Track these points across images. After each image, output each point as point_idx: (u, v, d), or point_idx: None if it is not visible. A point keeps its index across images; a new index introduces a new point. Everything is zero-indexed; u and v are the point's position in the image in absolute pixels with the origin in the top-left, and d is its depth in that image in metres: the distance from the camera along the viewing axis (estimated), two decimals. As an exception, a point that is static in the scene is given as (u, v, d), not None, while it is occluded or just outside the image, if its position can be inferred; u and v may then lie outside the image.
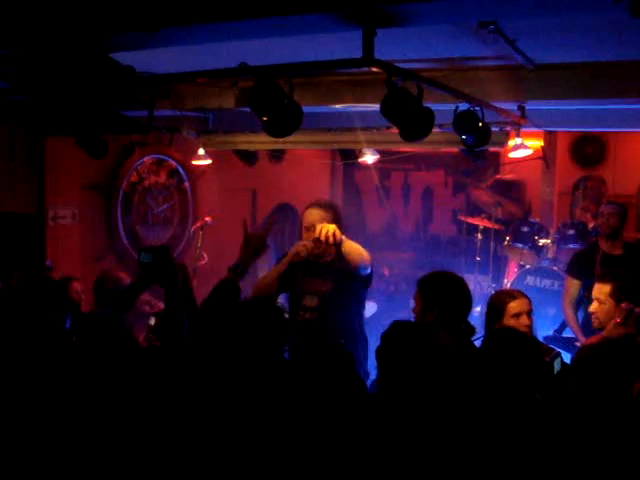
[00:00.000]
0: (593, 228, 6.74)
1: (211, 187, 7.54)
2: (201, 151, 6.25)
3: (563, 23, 3.33)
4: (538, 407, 2.65)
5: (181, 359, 3.12)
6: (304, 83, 4.56)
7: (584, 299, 5.41)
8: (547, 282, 6.97)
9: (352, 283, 4.22)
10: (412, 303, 3.64)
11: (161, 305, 4.35)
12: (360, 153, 6.25)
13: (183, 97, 5.23)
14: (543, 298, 6.80)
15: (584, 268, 5.46)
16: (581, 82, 4.31)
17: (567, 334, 5.79)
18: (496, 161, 9.04)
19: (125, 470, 2.68)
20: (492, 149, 5.44)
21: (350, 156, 6.47)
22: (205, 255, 6.66)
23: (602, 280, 4.10)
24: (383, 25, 2.86)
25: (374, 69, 3.16)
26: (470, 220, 8.36)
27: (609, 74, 4.23)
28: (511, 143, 5.33)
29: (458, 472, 2.51)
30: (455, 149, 5.50)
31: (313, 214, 4.24)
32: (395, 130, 3.60)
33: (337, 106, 5.03)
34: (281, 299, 4.64)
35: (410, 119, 3.40)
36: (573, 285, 5.53)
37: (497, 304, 3.78)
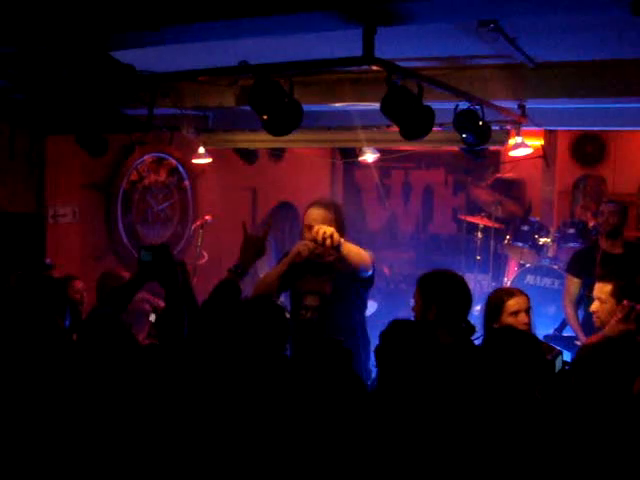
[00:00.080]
0: (593, 227, 6.74)
1: (211, 186, 7.55)
2: (201, 149, 6.25)
3: (563, 22, 3.33)
4: (539, 406, 2.65)
5: (181, 358, 3.12)
6: (304, 82, 4.56)
7: (584, 298, 5.42)
8: (547, 281, 6.97)
9: (353, 284, 4.22)
10: (412, 302, 3.64)
11: (161, 303, 4.34)
12: (360, 152, 6.25)
13: (183, 95, 5.23)
14: (543, 297, 6.81)
15: (584, 267, 5.46)
16: (581, 81, 4.30)
17: (567, 333, 5.80)
18: (496, 160, 9.04)
19: (125, 468, 2.68)
20: (492, 148, 5.44)
21: (350, 155, 6.48)
22: (205, 254, 6.66)
23: (603, 279, 4.11)
24: (383, 23, 2.86)
25: (374, 67, 3.16)
26: (470, 219, 8.36)
27: (609, 73, 4.23)
28: (511, 142, 5.32)
29: (458, 471, 2.51)
30: (455, 148, 5.49)
31: (314, 214, 4.23)
32: (395, 129, 3.60)
33: (337, 105, 5.03)
34: (282, 298, 4.64)
35: (410, 118, 3.40)
36: (573, 284, 5.53)
37: (495, 302, 3.79)
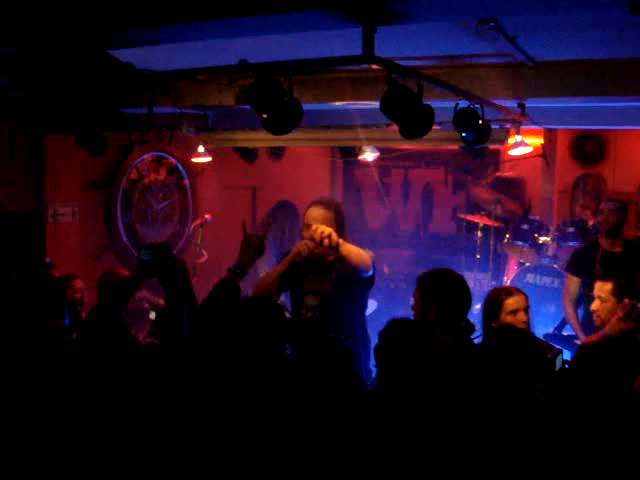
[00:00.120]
0: (593, 226, 6.74)
1: (211, 184, 7.55)
2: (201, 148, 6.25)
3: (563, 20, 3.33)
4: (539, 404, 2.65)
5: (181, 356, 3.12)
6: (304, 80, 4.56)
7: (584, 297, 5.42)
8: (547, 280, 6.97)
9: (353, 284, 4.21)
10: (412, 300, 3.64)
11: (161, 300, 4.34)
12: (360, 151, 6.24)
13: (183, 94, 5.23)
14: (543, 296, 6.81)
15: (584, 266, 5.46)
16: (581, 80, 4.30)
17: (567, 332, 5.80)
18: (496, 159, 9.05)
19: (124, 467, 2.68)
20: (492, 147, 5.43)
21: (350, 153, 6.46)
22: (205, 252, 6.66)
23: (604, 278, 4.11)
24: (383, 22, 2.85)
25: (374, 66, 3.15)
26: (470, 218, 8.36)
27: (609, 72, 4.22)
28: (511, 141, 5.32)
29: (459, 470, 2.51)
30: (455, 147, 5.49)
31: (315, 213, 4.23)
32: (395, 128, 3.59)
33: (337, 103, 5.03)
34: (282, 297, 4.64)
35: (410, 116, 3.40)
36: (573, 283, 5.53)
37: (494, 301, 3.80)
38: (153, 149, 6.97)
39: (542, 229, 7.22)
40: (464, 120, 4.12)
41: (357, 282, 4.21)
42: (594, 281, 4.28)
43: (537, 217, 7.70)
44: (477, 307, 4.57)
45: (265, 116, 3.48)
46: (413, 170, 10.30)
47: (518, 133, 5.25)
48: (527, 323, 3.74)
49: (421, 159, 10.01)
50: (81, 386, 2.85)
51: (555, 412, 2.65)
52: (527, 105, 4.81)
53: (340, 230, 4.20)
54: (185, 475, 2.69)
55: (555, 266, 7.01)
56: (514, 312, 3.74)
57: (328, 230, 4.01)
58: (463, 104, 4.07)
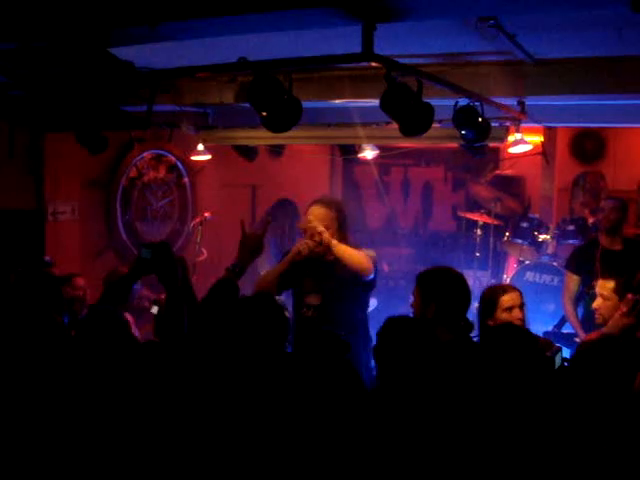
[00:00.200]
0: (593, 223, 6.73)
1: (210, 182, 7.54)
2: (200, 146, 6.25)
3: (563, 19, 3.33)
4: (539, 402, 2.65)
5: (180, 354, 3.12)
6: (304, 78, 4.55)
7: (584, 295, 5.42)
8: (547, 278, 6.96)
9: (353, 285, 4.19)
10: (411, 298, 3.64)
11: (162, 295, 4.34)
12: (359, 148, 6.24)
13: (182, 92, 5.22)
14: (542, 294, 6.81)
15: (584, 264, 5.46)
16: (581, 77, 4.30)
17: (567, 330, 5.79)
18: (496, 157, 9.04)
19: (123, 464, 2.68)
20: (492, 145, 5.43)
21: (350, 151, 6.45)
22: (204, 250, 6.66)
23: (606, 276, 4.12)
24: (383, 20, 2.85)
25: (374, 64, 3.15)
26: (469, 216, 8.35)
27: (609, 69, 4.22)
28: (511, 139, 5.32)
29: (459, 470, 2.51)
30: (455, 144, 5.49)
31: (315, 212, 4.21)
32: (395, 125, 3.59)
33: (337, 101, 5.03)
34: (283, 297, 4.64)
35: (410, 114, 3.40)
36: (573, 281, 5.53)
37: (489, 299, 3.80)
38: (153, 147, 6.96)
39: (542, 227, 7.22)
40: (464, 118, 4.12)
41: (357, 284, 4.19)
42: (594, 279, 4.28)
43: (537, 215, 7.70)
44: (476, 305, 4.56)
45: (265, 114, 3.48)
46: (413, 168, 10.29)
47: (518, 131, 5.25)
48: (522, 320, 3.75)
49: (421, 157, 10.01)
50: (80, 383, 2.85)
51: (555, 410, 2.65)
52: (527, 103, 4.81)
53: (341, 230, 4.18)
54: (185, 472, 2.69)
55: (555, 264, 7.00)
56: (509, 309, 3.75)
57: (320, 228, 4.00)
58: (463, 102, 4.07)
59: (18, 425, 2.76)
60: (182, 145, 6.87)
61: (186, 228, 7.38)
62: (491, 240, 7.82)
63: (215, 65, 3.73)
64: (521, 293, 3.86)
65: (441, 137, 5.24)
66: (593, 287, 5.16)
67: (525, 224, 7.22)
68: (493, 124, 4.56)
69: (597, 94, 4.41)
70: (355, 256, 4.10)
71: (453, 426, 2.60)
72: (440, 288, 3.51)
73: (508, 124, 5.18)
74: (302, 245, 4.19)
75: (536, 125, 6.35)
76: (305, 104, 3.51)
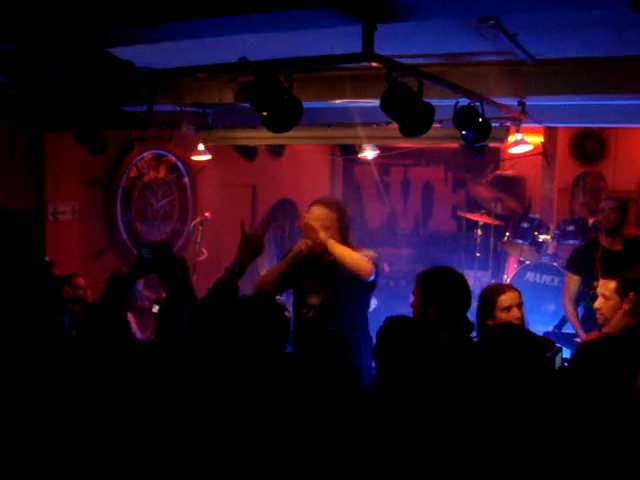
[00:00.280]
0: (593, 224, 6.73)
1: (211, 182, 7.54)
2: (201, 146, 6.25)
3: (564, 18, 3.33)
4: (539, 403, 2.64)
5: (180, 354, 3.12)
6: (304, 78, 4.55)
7: (584, 295, 5.42)
8: (547, 278, 6.96)
9: (353, 285, 4.16)
10: (412, 298, 3.64)
11: (163, 294, 4.35)
12: (360, 149, 6.24)
13: (183, 92, 5.22)
14: (543, 294, 6.81)
15: (584, 264, 5.46)
16: (581, 78, 4.30)
17: (567, 330, 5.79)
18: (496, 157, 9.04)
19: (122, 464, 2.68)
20: (492, 145, 5.43)
21: (350, 152, 6.46)
22: (205, 250, 6.66)
23: (607, 276, 4.12)
24: (383, 20, 2.85)
25: (374, 64, 3.15)
26: (470, 216, 8.35)
27: (609, 70, 4.22)
28: (511, 139, 5.32)
29: (459, 470, 2.51)
30: (455, 145, 5.49)
31: (317, 212, 4.19)
32: (395, 126, 3.59)
33: (337, 101, 5.02)
34: (283, 297, 4.63)
35: (410, 114, 3.40)
36: (573, 281, 5.52)
37: (487, 299, 3.80)
38: (153, 147, 6.96)
39: (542, 227, 7.22)
40: (464, 118, 4.12)
41: (357, 285, 4.16)
42: (594, 279, 4.28)
43: (537, 215, 7.70)
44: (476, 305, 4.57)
45: (265, 114, 3.48)
46: (413, 168, 10.29)
47: (518, 131, 5.25)
48: (521, 319, 3.75)
49: (421, 157, 10.00)
50: (79, 382, 2.85)
51: (555, 411, 2.65)
52: (527, 103, 4.81)
53: (343, 230, 4.16)
54: (184, 472, 2.69)
55: (555, 264, 7.00)
56: (508, 309, 3.75)
57: (315, 227, 3.98)
58: (463, 102, 4.07)
59: (18, 425, 2.76)
60: (182, 145, 6.88)
61: (186, 228, 7.38)
62: (491, 240, 7.82)
63: (215, 65, 3.73)
64: (519, 292, 3.87)
65: (441, 137, 5.24)
66: (593, 287, 5.17)
67: (525, 224, 7.21)
68: (493, 124, 4.56)
69: (597, 94, 4.41)
70: (353, 257, 4.06)
71: (453, 426, 2.60)
72: (441, 288, 3.51)
73: (508, 124, 5.18)
74: (302, 245, 4.18)
75: (536, 125, 6.35)
76: (305, 104, 3.51)
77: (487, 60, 4.35)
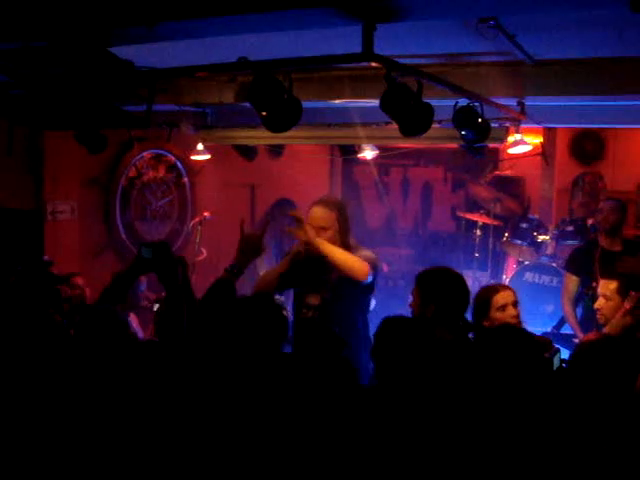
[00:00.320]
0: (592, 225, 6.74)
1: (210, 182, 7.54)
2: (200, 146, 6.25)
3: (563, 19, 3.33)
4: (538, 404, 2.64)
5: (179, 353, 3.12)
6: (303, 78, 4.55)
7: (583, 295, 5.42)
8: (546, 278, 6.96)
9: (351, 287, 4.14)
10: (410, 298, 3.64)
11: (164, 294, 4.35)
12: (359, 149, 6.24)
13: (182, 92, 5.22)
14: (542, 294, 6.81)
15: (583, 264, 5.46)
16: (581, 78, 4.30)
17: (566, 330, 5.80)
18: (495, 157, 9.04)
19: (121, 464, 2.68)
20: (491, 145, 5.43)
21: (349, 152, 6.46)
22: (204, 250, 6.66)
23: (608, 277, 4.13)
24: (383, 20, 2.85)
25: (373, 64, 3.15)
26: (469, 216, 8.36)
27: (609, 70, 4.22)
28: (510, 139, 5.32)
29: (457, 471, 2.51)
30: (454, 145, 5.49)
31: (316, 213, 4.18)
32: (394, 126, 3.59)
33: (336, 101, 5.02)
34: (282, 297, 4.63)
35: (409, 114, 3.40)
36: (572, 281, 5.52)
37: (482, 299, 3.80)
38: (152, 147, 6.95)
39: (541, 228, 7.22)
40: (463, 118, 4.12)
41: (355, 287, 4.14)
42: (593, 280, 4.28)
43: (536, 216, 7.70)
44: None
45: (264, 114, 3.48)
46: (412, 168, 10.29)
47: (517, 132, 5.25)
48: (517, 317, 3.75)
49: (420, 157, 10.01)
50: (78, 382, 2.85)
51: (554, 411, 2.65)
52: (526, 104, 4.81)
53: (343, 231, 4.14)
54: (184, 471, 2.69)
55: (554, 265, 7.00)
56: (503, 307, 3.75)
57: (307, 227, 3.96)
58: (463, 102, 4.07)
59: (17, 424, 2.76)
60: (182, 145, 6.87)
61: (185, 228, 7.38)
62: (490, 241, 7.82)
63: (215, 65, 3.73)
64: (514, 291, 3.87)
65: (441, 137, 5.24)
66: (592, 288, 5.18)
67: (524, 225, 7.22)
68: (493, 125, 4.56)
69: (597, 95, 4.41)
70: (345, 258, 4.02)
71: (451, 427, 2.60)
72: (439, 288, 3.51)
73: (508, 125, 5.18)
74: (302, 245, 4.18)
75: (536, 126, 6.35)
76: (305, 104, 3.51)
77: (486, 60, 4.35)
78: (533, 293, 6.80)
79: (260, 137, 5.87)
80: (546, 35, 3.66)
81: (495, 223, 7.90)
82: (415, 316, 3.51)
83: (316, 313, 4.22)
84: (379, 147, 6.23)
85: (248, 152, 6.35)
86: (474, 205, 8.71)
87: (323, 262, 4.18)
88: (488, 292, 3.84)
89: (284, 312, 3.46)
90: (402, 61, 3.42)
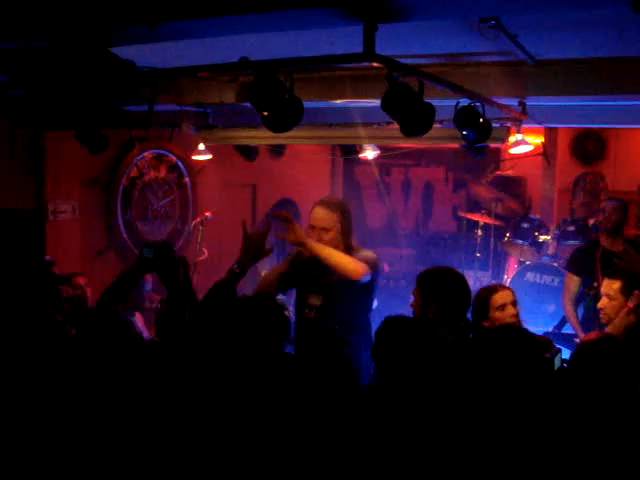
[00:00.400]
0: (593, 225, 6.74)
1: (211, 182, 7.55)
2: (201, 146, 6.25)
3: (564, 19, 3.33)
4: (538, 404, 2.64)
5: (181, 353, 3.13)
6: (305, 78, 4.55)
7: (584, 295, 5.42)
8: (547, 278, 6.96)
9: (351, 287, 4.12)
10: (412, 298, 3.64)
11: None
12: (360, 149, 6.24)
13: (183, 92, 5.22)
14: (543, 294, 6.81)
15: (584, 264, 5.46)
16: (582, 78, 4.30)
17: (567, 330, 5.80)
18: (496, 157, 9.05)
19: (122, 464, 2.68)
20: (493, 145, 5.43)
21: (351, 152, 6.46)
22: (205, 250, 6.67)
23: (612, 276, 4.13)
24: (384, 20, 2.85)
25: (375, 64, 3.15)
26: (470, 216, 8.36)
27: (610, 70, 4.22)
28: (512, 139, 5.32)
29: (457, 471, 2.51)
30: (456, 145, 5.49)
31: (318, 214, 4.16)
32: (396, 126, 3.59)
33: (338, 101, 5.02)
34: (283, 297, 4.62)
35: (411, 114, 3.40)
36: (573, 281, 5.52)
37: (481, 299, 3.80)
38: (153, 147, 6.96)
39: (542, 228, 7.22)
40: (465, 118, 4.11)
41: (354, 286, 4.12)
42: (594, 280, 4.28)
43: (537, 216, 7.70)
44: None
45: (266, 114, 3.48)
46: (413, 168, 10.30)
47: (519, 131, 5.25)
48: (517, 316, 3.75)
49: (421, 157, 10.01)
50: (79, 381, 2.85)
51: (554, 412, 2.65)
52: (528, 103, 4.80)
53: (344, 232, 4.12)
54: (184, 471, 2.69)
55: (555, 265, 7.00)
56: (502, 307, 3.75)
57: (297, 227, 3.93)
58: (464, 102, 4.07)
59: (18, 424, 2.76)
60: (183, 145, 6.88)
61: (187, 228, 7.39)
62: (492, 241, 7.82)
63: (216, 65, 3.73)
64: (513, 291, 3.87)
65: (442, 137, 5.24)
66: (593, 288, 5.19)
67: (526, 225, 7.22)
68: (494, 125, 4.55)
69: (598, 95, 4.41)
70: (337, 258, 3.98)
71: (451, 427, 2.60)
72: (441, 288, 3.51)
73: (509, 125, 5.18)
74: (293, 245, 4.16)
75: (537, 126, 6.36)
76: (306, 104, 3.51)
77: (488, 60, 4.34)
78: (534, 293, 6.80)
79: (261, 137, 5.87)
80: (547, 35, 3.66)
81: (496, 223, 7.90)
82: (416, 316, 3.51)
83: (318, 313, 4.21)
84: (380, 147, 6.23)
85: (249, 152, 6.35)
86: (475, 205, 8.72)
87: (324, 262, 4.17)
88: (487, 292, 3.84)
89: (286, 312, 3.46)
90: (403, 61, 3.42)
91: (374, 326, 3.34)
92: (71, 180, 6.19)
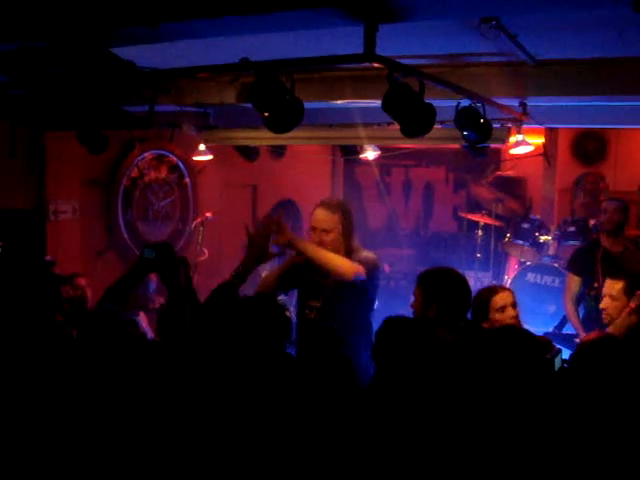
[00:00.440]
0: (594, 225, 6.74)
1: (212, 183, 7.55)
2: (202, 147, 6.25)
3: (564, 19, 3.33)
4: (539, 404, 2.64)
5: (182, 354, 3.13)
6: (305, 79, 4.55)
7: (585, 295, 5.43)
8: (548, 279, 6.96)
9: (349, 288, 4.11)
10: (412, 299, 3.64)
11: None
12: (361, 149, 6.24)
13: (184, 92, 5.22)
14: (544, 295, 6.81)
15: (585, 265, 5.47)
16: (582, 79, 4.30)
17: (567, 331, 5.80)
18: (497, 158, 9.05)
19: (123, 464, 2.68)
20: (493, 145, 5.43)
21: (351, 152, 6.46)
22: (205, 250, 6.67)
23: (614, 277, 4.14)
24: (385, 20, 2.85)
25: (375, 65, 3.15)
26: (471, 216, 8.36)
27: (610, 70, 4.22)
28: (512, 140, 5.31)
29: (457, 472, 2.51)
30: (456, 145, 5.49)
31: (318, 215, 4.15)
32: (396, 126, 3.59)
33: (338, 102, 5.02)
34: (284, 297, 4.61)
35: (411, 115, 3.40)
36: (574, 282, 5.53)
37: (481, 301, 3.80)
38: (154, 147, 6.97)
39: (543, 228, 7.22)
40: (465, 119, 4.11)
41: (351, 287, 4.10)
42: (595, 280, 4.28)
43: (538, 216, 7.69)
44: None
45: (266, 114, 3.48)
46: (414, 169, 10.31)
47: (519, 132, 5.25)
48: (516, 318, 3.76)
49: (422, 158, 10.02)
50: (80, 381, 2.85)
51: (555, 412, 2.65)
52: (528, 104, 4.80)
53: (345, 233, 4.12)
54: (184, 471, 2.69)
55: (556, 265, 7.00)
56: (502, 309, 3.75)
57: (284, 226, 3.92)
58: (464, 103, 4.07)
59: (18, 424, 2.76)
60: (183, 145, 6.88)
61: (187, 228, 7.39)
62: (492, 241, 7.82)
63: (217, 65, 3.73)
64: (512, 292, 3.88)
65: (443, 138, 5.24)
66: (594, 288, 5.19)
67: (526, 225, 7.22)
68: (495, 125, 4.55)
69: (597, 95, 4.41)
70: (326, 258, 3.97)
71: (451, 427, 2.60)
72: (441, 289, 3.51)
73: (510, 125, 5.18)
74: (284, 247, 4.15)
75: (537, 126, 6.35)
76: (307, 105, 3.51)
77: (488, 61, 4.34)
78: (535, 293, 6.80)
79: (262, 138, 5.87)
80: (547, 35, 3.66)
81: (497, 223, 7.90)
82: (417, 316, 3.50)
83: (318, 314, 4.21)
84: (381, 147, 6.23)
85: (250, 153, 6.36)
86: (476, 205, 8.71)
87: None
88: (487, 294, 3.84)
89: (287, 313, 3.46)
90: (404, 61, 3.42)
91: (375, 326, 3.34)
92: (72, 180, 6.19)
